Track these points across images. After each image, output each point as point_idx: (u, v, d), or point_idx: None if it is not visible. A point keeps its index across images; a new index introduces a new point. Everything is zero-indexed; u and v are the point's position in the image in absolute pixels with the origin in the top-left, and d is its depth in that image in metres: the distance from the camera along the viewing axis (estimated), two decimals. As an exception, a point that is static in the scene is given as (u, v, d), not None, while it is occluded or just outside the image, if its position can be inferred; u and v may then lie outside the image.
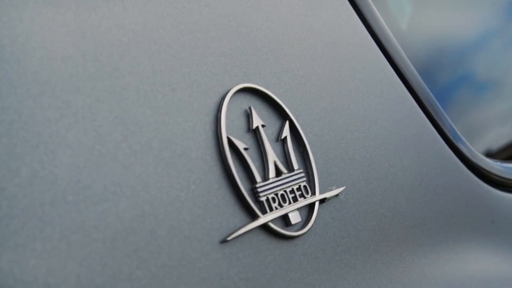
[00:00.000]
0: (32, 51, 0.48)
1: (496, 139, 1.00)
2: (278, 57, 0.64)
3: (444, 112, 0.82)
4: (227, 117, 0.58)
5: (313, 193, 0.62)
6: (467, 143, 0.83)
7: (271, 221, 0.57)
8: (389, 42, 0.79)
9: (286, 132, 0.62)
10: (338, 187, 0.64)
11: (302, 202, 0.60)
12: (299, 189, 0.61)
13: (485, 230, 0.81)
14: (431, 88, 0.82)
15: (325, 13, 0.72)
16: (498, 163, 0.86)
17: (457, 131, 0.83)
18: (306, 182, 0.62)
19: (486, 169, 0.83)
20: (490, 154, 0.94)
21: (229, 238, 0.53)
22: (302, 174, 0.61)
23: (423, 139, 0.77)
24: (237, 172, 0.56)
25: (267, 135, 0.60)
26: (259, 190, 0.57)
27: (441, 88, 0.91)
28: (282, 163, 0.60)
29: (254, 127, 0.59)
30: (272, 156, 0.59)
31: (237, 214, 0.55)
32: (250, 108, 0.60)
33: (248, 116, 0.59)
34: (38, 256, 0.44)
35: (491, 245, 0.81)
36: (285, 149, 0.61)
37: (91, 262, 0.46)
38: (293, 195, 0.60)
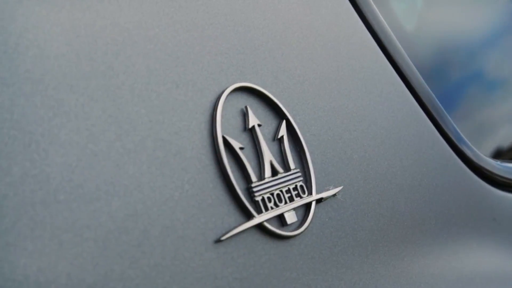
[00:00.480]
0: (25, 50, 0.48)
1: (501, 140, 1.00)
2: (275, 56, 0.64)
3: (444, 111, 0.81)
4: (222, 116, 0.57)
5: (310, 193, 0.61)
6: (468, 142, 0.82)
7: (267, 221, 0.57)
8: (390, 41, 0.79)
9: (283, 131, 0.61)
10: (335, 187, 0.64)
11: (298, 202, 0.60)
12: (295, 188, 0.60)
13: (486, 230, 0.81)
14: (433, 87, 0.81)
15: (323, 11, 0.72)
16: (499, 163, 0.86)
17: (459, 131, 0.82)
18: (302, 182, 0.61)
19: (487, 169, 0.83)
20: (494, 155, 0.94)
21: (223, 238, 0.53)
22: (299, 174, 0.61)
23: (423, 138, 0.77)
24: (232, 171, 0.56)
25: (263, 134, 0.60)
26: (254, 189, 0.57)
27: (443, 87, 0.90)
28: (278, 162, 0.60)
29: (250, 126, 0.59)
30: (268, 156, 0.59)
31: (232, 214, 0.55)
32: (246, 107, 0.59)
33: (244, 116, 0.59)
34: (29, 255, 0.44)
35: (492, 245, 0.80)
36: (282, 148, 0.61)
37: (82, 261, 0.46)
38: (289, 194, 0.60)
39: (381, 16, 0.79)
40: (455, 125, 0.82)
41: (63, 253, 0.45)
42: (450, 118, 0.82)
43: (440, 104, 0.81)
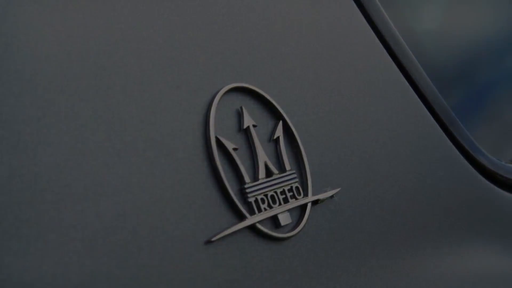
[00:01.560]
0: (15, 50, 0.48)
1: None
2: (272, 55, 0.64)
3: (451, 111, 0.80)
4: (217, 117, 0.57)
5: (306, 195, 0.61)
6: (475, 142, 0.81)
7: (259, 222, 0.56)
8: (395, 41, 0.78)
9: (279, 132, 0.61)
10: (333, 188, 0.63)
11: (293, 204, 0.59)
12: (290, 190, 0.60)
13: (492, 233, 0.79)
14: (438, 87, 0.80)
15: (324, 9, 0.71)
16: (504, 163, 0.84)
17: (465, 130, 0.81)
18: (298, 183, 0.61)
19: (494, 170, 0.82)
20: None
21: (214, 239, 0.53)
22: (295, 175, 0.61)
23: (427, 139, 0.76)
24: (225, 172, 0.56)
25: (258, 135, 0.60)
26: (247, 190, 0.57)
27: (449, 89, 0.89)
28: (273, 163, 0.60)
29: (245, 127, 0.59)
30: (263, 157, 0.59)
31: (224, 215, 0.55)
32: (241, 107, 0.59)
33: (240, 116, 0.59)
34: (13, 255, 0.44)
35: (498, 248, 0.79)
36: (278, 149, 0.61)
37: (68, 261, 0.46)
38: (284, 196, 0.59)
39: (386, 15, 0.78)
40: (461, 124, 0.81)
41: (48, 253, 0.45)
42: (456, 118, 0.80)
43: (446, 104, 0.80)
